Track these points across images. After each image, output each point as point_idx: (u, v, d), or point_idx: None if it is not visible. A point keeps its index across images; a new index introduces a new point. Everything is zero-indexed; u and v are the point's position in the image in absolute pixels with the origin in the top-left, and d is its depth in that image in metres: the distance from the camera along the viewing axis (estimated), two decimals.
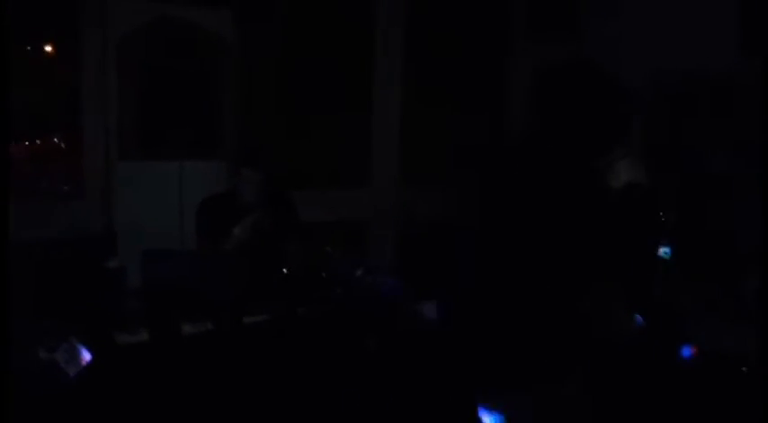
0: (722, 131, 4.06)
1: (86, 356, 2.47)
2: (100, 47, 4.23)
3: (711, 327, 3.08)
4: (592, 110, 1.86)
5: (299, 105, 4.75)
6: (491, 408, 1.89)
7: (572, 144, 1.87)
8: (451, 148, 5.02)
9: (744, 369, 2.85)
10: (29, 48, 4.42)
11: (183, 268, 3.21)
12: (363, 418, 2.86)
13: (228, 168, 4.05)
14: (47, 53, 4.52)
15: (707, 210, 3.96)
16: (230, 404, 2.69)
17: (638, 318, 2.23)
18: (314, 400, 2.79)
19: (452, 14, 5.10)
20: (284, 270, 3.38)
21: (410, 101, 5.08)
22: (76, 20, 4.21)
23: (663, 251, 3.29)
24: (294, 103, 4.74)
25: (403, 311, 3.29)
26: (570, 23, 4.94)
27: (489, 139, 5.01)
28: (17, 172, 4.46)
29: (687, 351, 2.91)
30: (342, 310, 3.25)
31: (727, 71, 3.98)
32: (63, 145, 4.57)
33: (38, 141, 4.59)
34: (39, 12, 4.16)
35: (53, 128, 4.59)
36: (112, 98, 4.25)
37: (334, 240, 4.00)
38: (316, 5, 4.77)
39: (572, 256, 1.78)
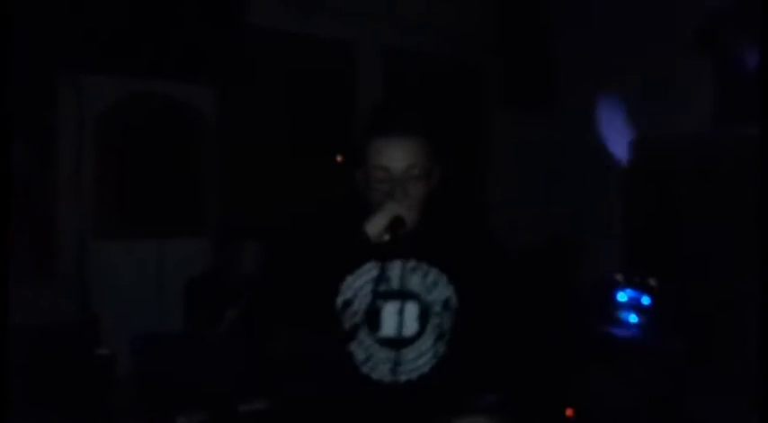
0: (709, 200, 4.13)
1: None
2: (75, 125, 4.14)
3: None
4: None
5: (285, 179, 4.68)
6: None
7: None
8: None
9: None
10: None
11: (176, 355, 3.07)
12: None
13: (215, 245, 3.95)
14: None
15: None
16: None
17: None
18: None
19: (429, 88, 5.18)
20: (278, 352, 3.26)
21: None
22: (53, 96, 4.12)
23: None
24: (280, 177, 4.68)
25: None
26: (549, 94, 5.08)
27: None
28: None
29: None
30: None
31: (706, 138, 4.11)
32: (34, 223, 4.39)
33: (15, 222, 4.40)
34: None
35: (24, 207, 4.42)
36: (89, 176, 4.14)
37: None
38: (304, 82, 4.78)
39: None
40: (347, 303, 1.68)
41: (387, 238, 1.59)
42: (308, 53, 4.76)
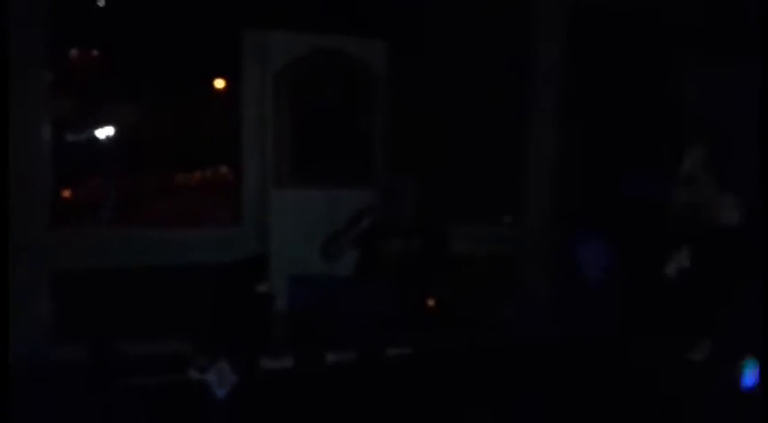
0: None
1: (233, 379, 2.52)
2: (259, 80, 4.41)
3: None
4: None
5: (449, 139, 4.71)
6: None
7: None
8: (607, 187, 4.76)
9: None
10: (198, 84, 4.70)
11: (328, 294, 3.23)
12: None
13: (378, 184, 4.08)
14: (215, 89, 4.79)
15: None
16: None
17: None
18: None
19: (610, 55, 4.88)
20: (430, 302, 3.31)
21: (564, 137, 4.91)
22: (240, 55, 4.43)
23: None
24: (444, 137, 4.71)
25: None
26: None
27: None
28: (184, 200, 4.77)
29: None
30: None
31: None
32: (229, 176, 4.80)
33: (204, 172, 4.87)
34: (207, 49, 4.42)
35: (218, 159, 4.85)
36: (269, 130, 4.41)
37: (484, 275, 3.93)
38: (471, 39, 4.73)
39: None
40: None
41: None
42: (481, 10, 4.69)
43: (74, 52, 4.49)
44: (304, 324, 3.08)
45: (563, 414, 2.69)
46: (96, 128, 4.50)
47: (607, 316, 2.56)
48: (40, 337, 3.96)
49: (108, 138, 4.54)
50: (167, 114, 4.66)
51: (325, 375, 2.81)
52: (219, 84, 4.73)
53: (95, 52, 4.53)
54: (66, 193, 4.45)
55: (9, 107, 3.51)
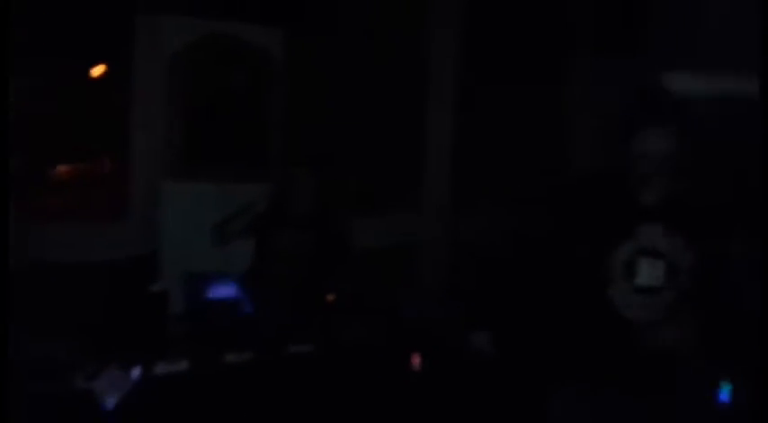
0: None
1: (127, 385, 2.38)
2: (150, 67, 4.20)
3: None
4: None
5: (347, 130, 4.65)
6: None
7: None
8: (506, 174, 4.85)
9: None
10: (81, 68, 4.41)
11: (225, 292, 3.12)
12: None
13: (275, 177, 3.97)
14: (104, 75, 4.51)
15: None
16: None
17: None
18: None
19: (509, 32, 4.95)
20: (330, 297, 3.26)
21: (463, 122, 4.95)
22: (130, 39, 4.19)
23: None
24: (344, 122, 4.64)
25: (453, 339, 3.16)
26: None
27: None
28: (63, 194, 4.46)
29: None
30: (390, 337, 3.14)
31: None
32: (110, 166, 4.54)
33: (85, 163, 4.57)
34: (93, 31, 4.15)
35: (101, 149, 4.57)
36: (160, 118, 4.21)
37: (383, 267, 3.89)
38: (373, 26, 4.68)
39: None
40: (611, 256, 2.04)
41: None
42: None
43: None
44: (201, 324, 2.96)
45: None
46: None
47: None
48: None
49: None
50: (51, 101, 4.35)
51: (224, 376, 2.70)
52: (108, 70, 4.46)
53: None
54: None
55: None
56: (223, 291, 3.11)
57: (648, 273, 2.02)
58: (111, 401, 2.33)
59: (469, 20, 4.89)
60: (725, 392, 2.82)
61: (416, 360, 2.99)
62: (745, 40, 3.88)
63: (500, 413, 2.94)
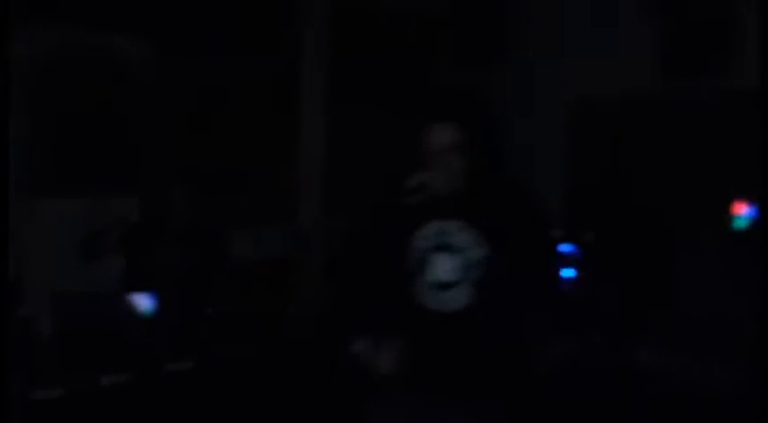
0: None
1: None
2: (5, 76, 3.98)
3: None
4: None
5: (221, 142, 4.63)
6: None
7: None
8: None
9: None
10: None
11: (98, 311, 3.04)
12: None
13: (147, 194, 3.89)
14: None
15: None
16: None
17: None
18: None
19: (376, 41, 5.10)
20: (209, 311, 3.25)
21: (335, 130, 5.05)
22: None
23: None
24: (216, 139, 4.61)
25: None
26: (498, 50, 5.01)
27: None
28: None
29: None
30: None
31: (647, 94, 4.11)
32: None
33: None
34: None
35: None
36: (23, 133, 4.01)
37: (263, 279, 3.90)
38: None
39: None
40: (411, 252, 2.08)
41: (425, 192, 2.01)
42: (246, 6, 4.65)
43: None
44: (73, 346, 2.87)
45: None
46: None
47: None
48: None
49: None
50: None
51: (101, 400, 2.65)
52: None
53: None
54: None
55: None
56: (96, 309, 3.03)
57: (442, 268, 2.06)
58: None
59: (336, 41, 4.98)
60: None
61: None
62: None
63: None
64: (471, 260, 2.06)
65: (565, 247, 4.23)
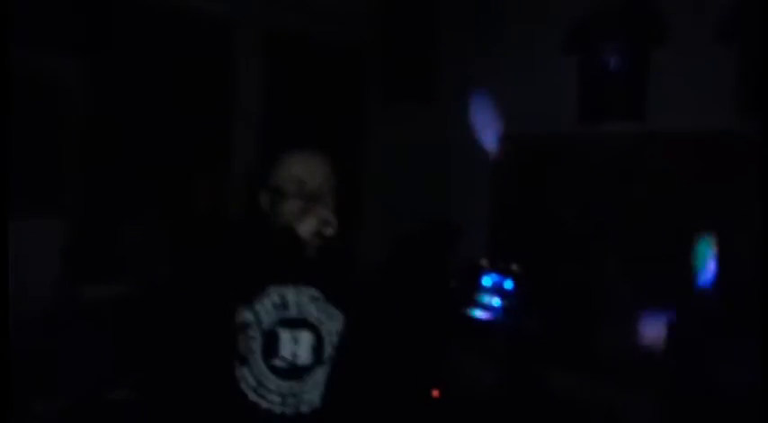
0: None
1: None
2: None
3: None
4: None
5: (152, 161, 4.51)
6: None
7: None
8: None
9: None
10: None
11: (31, 338, 2.88)
12: None
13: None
14: None
15: None
16: None
17: None
18: None
19: (309, 74, 5.15)
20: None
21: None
22: None
23: None
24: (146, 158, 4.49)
25: None
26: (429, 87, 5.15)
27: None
28: None
29: None
30: None
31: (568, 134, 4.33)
32: None
33: None
34: None
35: None
36: None
37: None
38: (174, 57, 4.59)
39: None
40: (245, 326, 1.60)
41: (316, 241, 1.57)
42: (180, 27, 4.60)
43: None
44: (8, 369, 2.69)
45: None
46: None
47: None
48: None
49: None
50: None
51: None
52: None
53: None
54: None
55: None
56: (29, 334, 2.87)
57: (290, 348, 1.61)
58: None
59: (269, 77, 4.99)
60: None
61: None
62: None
63: None
64: (327, 336, 1.67)
65: (491, 278, 4.37)
